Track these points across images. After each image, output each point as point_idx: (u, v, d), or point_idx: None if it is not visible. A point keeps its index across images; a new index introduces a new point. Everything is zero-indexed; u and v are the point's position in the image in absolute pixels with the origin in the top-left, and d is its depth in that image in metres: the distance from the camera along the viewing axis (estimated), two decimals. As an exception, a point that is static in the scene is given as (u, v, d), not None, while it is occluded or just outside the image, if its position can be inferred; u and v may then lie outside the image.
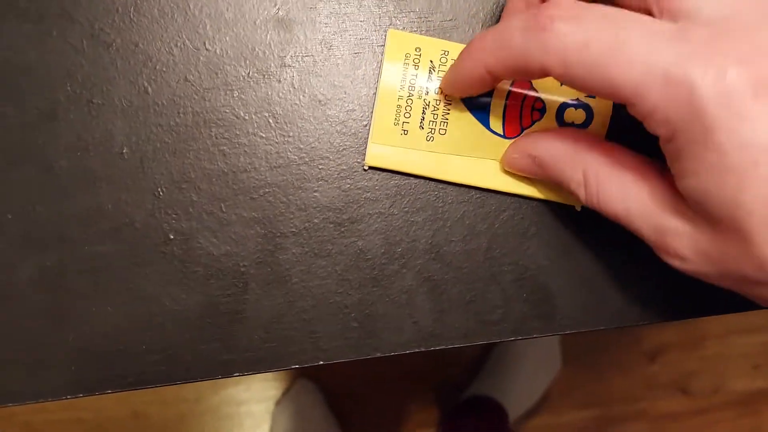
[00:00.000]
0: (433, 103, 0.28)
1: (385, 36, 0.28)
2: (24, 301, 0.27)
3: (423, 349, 0.29)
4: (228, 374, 0.28)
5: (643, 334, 1.23)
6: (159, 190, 0.27)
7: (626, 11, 0.21)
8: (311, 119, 0.28)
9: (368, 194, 0.28)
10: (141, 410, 1.15)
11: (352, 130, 0.28)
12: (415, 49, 0.28)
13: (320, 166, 0.28)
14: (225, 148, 0.28)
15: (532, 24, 0.21)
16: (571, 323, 0.29)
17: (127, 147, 0.27)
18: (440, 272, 0.29)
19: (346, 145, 0.28)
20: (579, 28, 0.20)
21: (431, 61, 0.28)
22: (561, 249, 0.29)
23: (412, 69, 0.28)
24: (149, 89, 0.27)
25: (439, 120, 0.28)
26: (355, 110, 0.28)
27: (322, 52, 0.28)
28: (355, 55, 0.28)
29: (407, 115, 0.28)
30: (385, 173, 0.28)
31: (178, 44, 0.27)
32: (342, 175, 0.28)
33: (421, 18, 0.28)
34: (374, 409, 1.20)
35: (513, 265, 0.29)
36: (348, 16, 0.28)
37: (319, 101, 0.28)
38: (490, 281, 0.29)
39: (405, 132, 0.28)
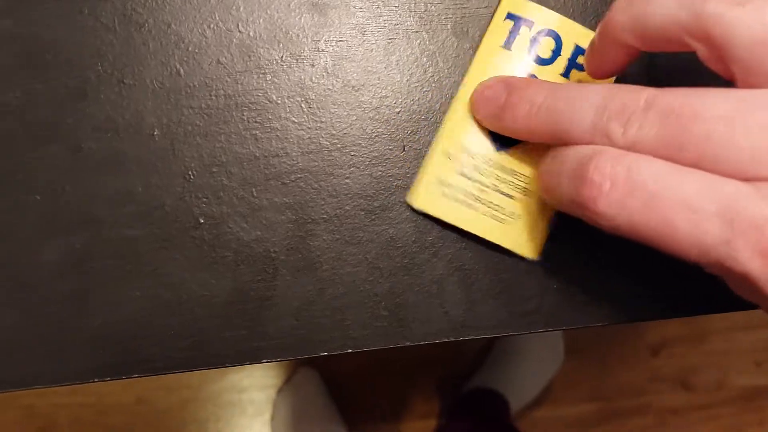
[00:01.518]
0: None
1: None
2: (50, 283, 0.27)
3: (452, 339, 0.28)
4: (256, 361, 0.27)
5: (647, 327, 1.23)
6: (189, 173, 0.27)
7: (680, 171, 0.19)
8: (344, 105, 0.28)
9: (400, 182, 0.28)
10: (144, 396, 1.15)
11: (385, 117, 0.28)
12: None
13: (352, 153, 0.28)
14: (257, 132, 0.27)
15: (579, 186, 0.21)
16: (602, 315, 0.29)
17: (158, 129, 0.27)
18: (471, 261, 0.28)
19: (378, 131, 0.28)
20: (624, 210, 0.20)
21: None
22: (594, 240, 0.29)
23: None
24: (181, 71, 0.27)
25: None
26: (388, 97, 0.28)
27: (356, 37, 0.28)
28: (390, 41, 0.28)
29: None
30: (416, 161, 0.28)
31: (211, 26, 0.27)
32: (374, 162, 0.28)
33: (456, 4, 0.28)
34: (376, 400, 1.20)
35: (545, 254, 0.29)
36: (383, 1, 0.28)
37: (353, 87, 0.28)
38: (522, 271, 0.28)
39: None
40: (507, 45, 0.27)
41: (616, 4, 0.22)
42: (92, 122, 0.27)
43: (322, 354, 0.28)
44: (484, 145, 0.27)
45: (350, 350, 0.28)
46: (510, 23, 0.27)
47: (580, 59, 0.27)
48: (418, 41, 0.28)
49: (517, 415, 1.19)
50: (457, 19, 0.28)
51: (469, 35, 0.28)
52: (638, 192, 0.19)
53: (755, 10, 0.19)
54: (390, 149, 0.28)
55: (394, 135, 0.28)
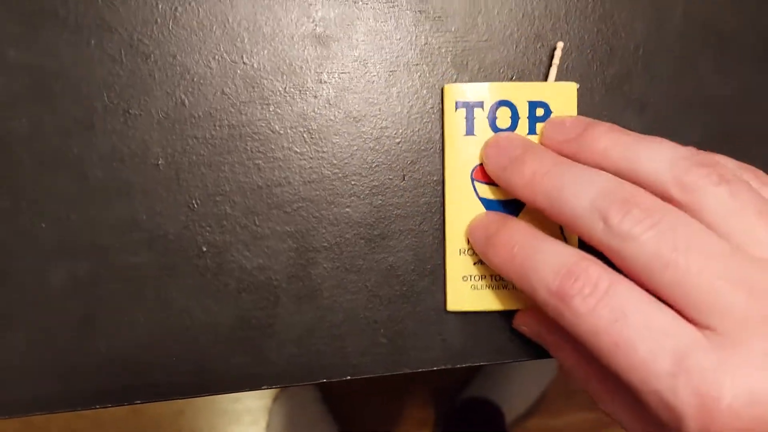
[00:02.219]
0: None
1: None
2: (56, 309, 0.27)
3: (450, 366, 0.29)
4: (257, 387, 0.28)
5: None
6: (193, 202, 0.28)
7: (654, 303, 0.21)
8: (345, 135, 0.28)
9: (399, 211, 0.28)
10: (139, 406, 1.15)
11: (385, 147, 0.28)
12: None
13: (353, 182, 0.28)
14: (260, 161, 0.28)
15: (563, 279, 0.22)
16: (596, 343, 0.29)
17: (163, 158, 0.27)
18: (469, 290, 0.29)
19: (378, 161, 0.28)
20: (593, 315, 0.21)
21: None
22: (589, 270, 0.29)
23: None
24: (186, 101, 0.27)
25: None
26: (388, 128, 0.28)
27: (358, 69, 0.28)
28: (391, 73, 0.28)
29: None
30: (416, 191, 0.28)
31: (216, 57, 0.27)
32: (374, 191, 0.28)
33: (457, 38, 0.28)
34: (371, 409, 1.20)
35: (540, 284, 0.29)
36: (385, 34, 0.28)
37: (354, 118, 0.28)
38: (518, 300, 0.29)
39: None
40: (469, 132, 0.28)
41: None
42: (98, 151, 0.27)
43: (322, 381, 0.28)
44: None
45: (350, 377, 0.28)
46: (462, 111, 0.28)
47: (539, 111, 0.28)
48: (419, 74, 0.28)
49: (512, 424, 1.19)
50: (457, 52, 0.29)
51: (468, 68, 0.29)
52: (613, 305, 0.21)
53: None
54: (390, 179, 0.28)
55: (394, 165, 0.28)
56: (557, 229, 0.28)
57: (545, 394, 1.21)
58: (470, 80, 0.29)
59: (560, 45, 0.29)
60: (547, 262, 0.23)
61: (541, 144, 0.27)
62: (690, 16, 0.29)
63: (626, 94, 0.29)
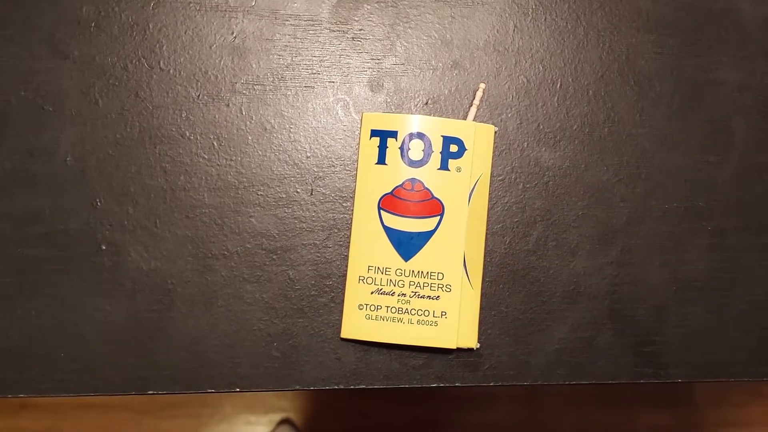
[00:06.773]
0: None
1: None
2: (-50, 296, 0.27)
3: (343, 387, 0.28)
4: (143, 391, 0.27)
5: (639, 415, 1.20)
6: (97, 200, 0.28)
7: None
8: (255, 145, 0.28)
9: (304, 224, 0.28)
10: (146, 427, 1.13)
11: (295, 160, 0.28)
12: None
13: (259, 192, 0.28)
14: (167, 165, 0.28)
15: None
16: (496, 375, 0.29)
17: (72, 155, 0.28)
18: (368, 310, 0.28)
19: (287, 174, 0.28)
20: None
21: None
22: (490, 301, 0.29)
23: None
24: (100, 102, 0.28)
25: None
26: (299, 141, 0.29)
27: (274, 82, 0.29)
28: (306, 89, 0.29)
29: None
30: (323, 206, 0.28)
31: (133, 61, 0.28)
32: (280, 203, 0.28)
33: (373, 59, 0.29)
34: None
35: (444, 310, 0.29)
36: (302, 51, 0.29)
37: (265, 129, 0.28)
38: (417, 324, 0.28)
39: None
40: (381, 160, 0.28)
41: None
42: (9, 144, 0.28)
43: (208, 391, 0.28)
44: (392, 258, 0.28)
45: (238, 389, 0.28)
46: (376, 140, 0.28)
47: (453, 147, 0.28)
48: (333, 91, 0.29)
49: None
50: (374, 73, 0.29)
51: (384, 89, 0.29)
52: None
53: None
54: (297, 192, 0.28)
55: (303, 178, 0.28)
56: (481, 241, 0.28)
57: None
58: (385, 101, 0.29)
59: (482, 86, 0.29)
60: None
61: None
62: (611, 54, 0.30)
63: (540, 128, 0.29)
